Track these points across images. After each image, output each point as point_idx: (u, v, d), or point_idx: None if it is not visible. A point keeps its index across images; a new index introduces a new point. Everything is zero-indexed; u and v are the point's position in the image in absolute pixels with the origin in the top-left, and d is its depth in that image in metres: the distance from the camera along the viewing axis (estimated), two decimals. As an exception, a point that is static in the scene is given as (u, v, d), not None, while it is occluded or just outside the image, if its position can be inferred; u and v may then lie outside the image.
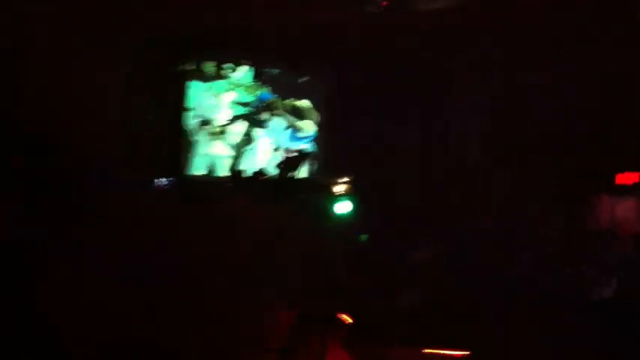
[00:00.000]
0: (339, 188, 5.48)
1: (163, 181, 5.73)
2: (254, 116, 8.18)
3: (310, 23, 6.55)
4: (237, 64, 7.92)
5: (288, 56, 7.57)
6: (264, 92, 8.11)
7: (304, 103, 8.27)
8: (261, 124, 8.24)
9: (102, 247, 3.94)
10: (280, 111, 8.26)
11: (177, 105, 7.63)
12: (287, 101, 8.28)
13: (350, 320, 3.66)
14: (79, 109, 5.66)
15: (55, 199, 4.46)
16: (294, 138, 8.27)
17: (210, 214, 4.04)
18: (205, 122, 8.03)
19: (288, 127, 8.29)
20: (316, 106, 8.31)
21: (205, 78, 7.92)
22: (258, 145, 8.23)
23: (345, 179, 5.61)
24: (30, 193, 4.47)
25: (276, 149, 8.16)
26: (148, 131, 6.74)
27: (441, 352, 3.22)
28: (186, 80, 7.74)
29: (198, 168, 7.96)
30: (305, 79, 8.15)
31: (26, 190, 4.44)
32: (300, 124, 8.31)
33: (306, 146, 8.18)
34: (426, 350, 3.17)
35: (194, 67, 7.69)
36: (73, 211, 4.40)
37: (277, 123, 8.33)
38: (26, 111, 5.31)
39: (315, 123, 8.29)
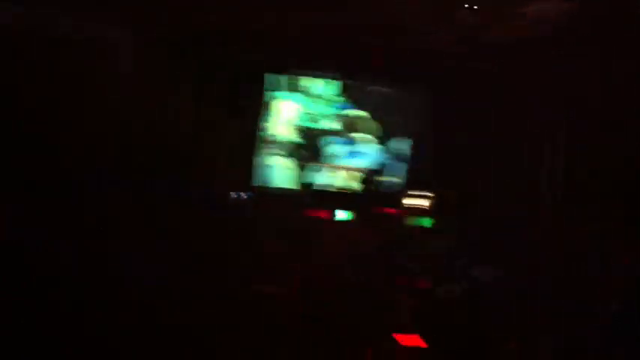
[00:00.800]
0: (421, 203, 5.44)
1: (242, 194, 5.77)
2: (326, 131, 8.11)
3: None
4: (320, 77, 7.92)
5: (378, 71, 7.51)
6: (343, 102, 8.06)
7: (361, 113, 8.15)
8: (332, 139, 8.12)
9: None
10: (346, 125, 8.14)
11: (255, 117, 7.68)
12: (351, 113, 8.14)
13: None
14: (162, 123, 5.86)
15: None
16: (353, 154, 8.13)
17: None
18: (277, 135, 7.98)
19: (346, 142, 8.14)
20: (380, 117, 8.13)
21: (286, 90, 7.91)
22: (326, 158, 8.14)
23: (428, 195, 5.57)
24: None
25: (339, 166, 8.10)
26: (226, 143, 6.88)
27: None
28: (267, 92, 7.76)
29: (269, 180, 7.93)
30: (384, 90, 8.06)
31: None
32: (357, 136, 8.17)
33: (362, 162, 8.04)
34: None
35: (276, 78, 7.71)
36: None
37: (339, 139, 8.18)
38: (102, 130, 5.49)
39: (373, 134, 8.15)
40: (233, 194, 5.82)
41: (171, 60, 6.04)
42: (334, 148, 8.04)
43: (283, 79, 7.77)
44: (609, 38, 5.38)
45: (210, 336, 3.38)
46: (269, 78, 7.67)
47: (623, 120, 5.47)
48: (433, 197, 5.59)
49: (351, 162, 8.07)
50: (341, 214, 4.78)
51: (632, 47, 5.11)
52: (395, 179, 7.95)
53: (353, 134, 8.06)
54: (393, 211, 4.66)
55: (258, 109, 7.64)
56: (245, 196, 5.78)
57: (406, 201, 5.71)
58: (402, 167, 8.03)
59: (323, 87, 7.92)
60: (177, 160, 5.56)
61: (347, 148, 8.07)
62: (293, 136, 7.94)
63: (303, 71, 7.79)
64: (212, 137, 6.66)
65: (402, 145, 8.08)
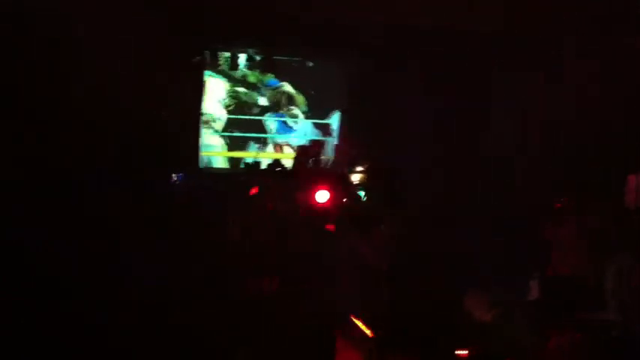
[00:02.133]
0: (355, 178, 5.33)
1: (181, 175, 5.66)
2: (261, 107, 7.98)
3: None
4: (248, 53, 7.72)
5: (298, 44, 7.37)
6: (272, 79, 7.92)
7: (288, 88, 8.02)
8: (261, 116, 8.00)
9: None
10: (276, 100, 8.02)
11: (194, 97, 7.50)
12: (280, 89, 8.02)
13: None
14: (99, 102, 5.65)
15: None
16: (285, 129, 8.10)
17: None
18: (215, 114, 7.82)
19: (282, 117, 8.07)
20: (311, 91, 8.05)
21: (219, 69, 7.72)
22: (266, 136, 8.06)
23: (361, 169, 5.44)
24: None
25: (277, 144, 8.05)
26: (165, 124, 6.58)
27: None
28: (202, 71, 7.55)
29: (209, 160, 7.87)
30: (310, 64, 7.95)
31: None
32: (291, 111, 8.08)
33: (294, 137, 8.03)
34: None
35: (209, 57, 7.53)
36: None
37: (271, 115, 8.07)
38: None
39: (301, 108, 8.09)
40: (175, 176, 5.65)
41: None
42: (268, 125, 8.01)
43: (210, 56, 7.64)
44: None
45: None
46: (204, 55, 7.53)
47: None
48: (365, 172, 5.45)
49: (286, 138, 8.07)
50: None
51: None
52: (326, 155, 7.95)
53: (284, 110, 8.03)
54: (326, 187, 4.49)
55: (195, 89, 7.51)
56: (178, 178, 5.60)
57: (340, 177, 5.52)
58: (332, 142, 8.09)
59: (250, 63, 7.79)
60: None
61: (280, 125, 8.05)
62: (227, 115, 7.84)
63: (227, 46, 7.65)
64: (150, 119, 6.34)
65: (332, 120, 8.13)
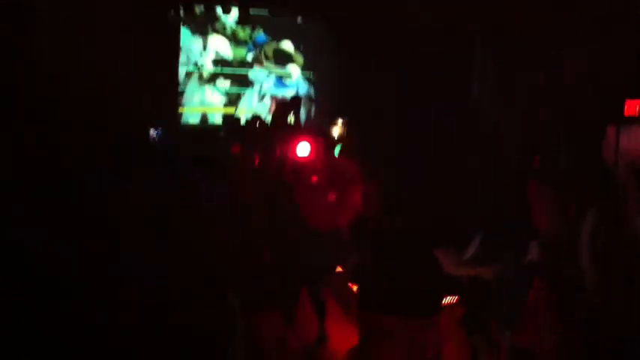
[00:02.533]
0: (336, 133, 5.30)
1: (159, 131, 5.57)
2: (245, 63, 7.99)
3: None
4: (225, 6, 7.62)
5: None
6: (260, 35, 7.94)
7: (287, 45, 8.07)
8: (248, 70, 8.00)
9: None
10: (264, 56, 8.04)
11: (170, 52, 7.41)
12: (270, 45, 8.06)
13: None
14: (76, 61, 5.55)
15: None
16: (280, 84, 8.11)
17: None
18: (196, 69, 7.83)
19: (270, 73, 8.09)
20: (301, 48, 8.12)
21: (195, 23, 7.66)
22: (251, 93, 8.08)
23: (341, 123, 5.41)
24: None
25: (262, 97, 8.06)
26: (142, 80, 6.51)
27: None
28: (178, 26, 7.50)
29: (191, 117, 7.81)
30: (299, 19, 7.96)
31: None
32: (287, 70, 8.15)
33: (295, 91, 8.03)
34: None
35: (184, 11, 7.44)
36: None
37: (260, 70, 8.14)
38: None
39: (300, 66, 8.16)
40: (152, 132, 5.53)
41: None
42: (263, 79, 8.04)
43: (196, 9, 7.54)
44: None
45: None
46: (187, 11, 7.46)
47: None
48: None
49: (279, 91, 8.08)
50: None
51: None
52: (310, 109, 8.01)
53: (274, 66, 8.07)
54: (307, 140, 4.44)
55: (175, 43, 7.45)
56: (157, 133, 5.49)
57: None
58: (311, 98, 8.14)
59: (237, 18, 7.76)
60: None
61: (276, 81, 8.09)
62: (217, 70, 7.82)
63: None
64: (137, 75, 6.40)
65: (297, 75, 8.14)
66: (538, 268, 3.39)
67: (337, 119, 5.46)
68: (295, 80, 8.12)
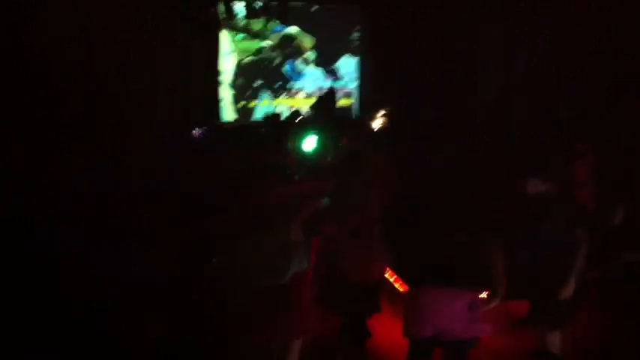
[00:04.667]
0: (377, 123, 5.20)
1: (203, 129, 5.58)
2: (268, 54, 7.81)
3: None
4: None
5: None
6: (277, 25, 7.72)
7: (293, 29, 7.86)
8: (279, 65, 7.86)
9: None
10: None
11: (209, 52, 7.36)
12: (280, 33, 7.83)
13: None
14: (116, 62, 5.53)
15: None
16: (295, 74, 7.96)
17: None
18: (230, 68, 7.69)
19: (285, 63, 7.93)
20: (311, 33, 7.85)
21: (231, 23, 7.43)
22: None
23: (383, 113, 5.28)
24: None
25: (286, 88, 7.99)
26: (183, 80, 6.53)
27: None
28: (219, 24, 7.21)
29: (229, 114, 7.78)
30: (316, 7, 7.75)
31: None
32: (300, 56, 7.94)
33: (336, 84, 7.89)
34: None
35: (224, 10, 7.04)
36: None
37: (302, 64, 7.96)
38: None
39: (311, 55, 7.92)
40: (196, 130, 5.57)
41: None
42: (285, 74, 7.90)
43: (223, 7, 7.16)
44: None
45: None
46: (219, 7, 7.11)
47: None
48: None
49: (304, 86, 7.97)
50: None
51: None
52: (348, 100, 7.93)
53: (293, 56, 7.90)
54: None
55: (215, 44, 7.36)
56: (201, 133, 5.53)
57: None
58: (346, 86, 7.98)
59: (251, 11, 7.36)
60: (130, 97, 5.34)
61: (290, 70, 7.92)
62: (241, 68, 7.72)
63: None
64: (166, 74, 6.35)
65: (340, 65, 8.01)
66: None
67: (378, 110, 5.30)
68: (312, 69, 8.00)
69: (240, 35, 7.68)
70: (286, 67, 7.91)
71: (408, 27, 7.32)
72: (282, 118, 5.88)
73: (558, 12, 6.39)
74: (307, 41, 7.92)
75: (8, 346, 2.92)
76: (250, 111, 7.85)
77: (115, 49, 5.25)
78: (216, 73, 7.49)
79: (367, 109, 6.60)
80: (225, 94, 7.72)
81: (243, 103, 7.80)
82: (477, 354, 3.09)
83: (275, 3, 6.99)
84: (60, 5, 5.11)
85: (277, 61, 7.88)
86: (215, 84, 7.51)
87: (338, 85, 7.99)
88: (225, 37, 7.59)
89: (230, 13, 6.83)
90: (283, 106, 7.88)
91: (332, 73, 8.07)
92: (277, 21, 7.53)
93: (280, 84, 7.94)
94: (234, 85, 7.74)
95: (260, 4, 7.07)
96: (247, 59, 7.77)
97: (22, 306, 3.11)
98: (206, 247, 3.43)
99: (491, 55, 7.13)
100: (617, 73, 5.66)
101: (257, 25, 7.65)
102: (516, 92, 6.76)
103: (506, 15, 6.90)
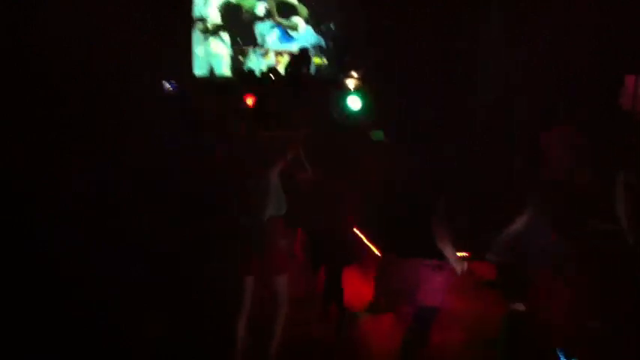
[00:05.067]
0: (352, 84, 5.05)
1: (172, 84, 5.42)
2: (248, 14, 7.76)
3: None
4: None
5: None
6: None
7: None
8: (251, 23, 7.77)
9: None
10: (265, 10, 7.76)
11: (177, 4, 7.16)
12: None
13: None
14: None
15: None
16: (285, 38, 7.92)
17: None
18: (199, 19, 7.61)
19: (276, 27, 7.86)
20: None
21: None
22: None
23: (357, 74, 5.13)
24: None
25: (266, 51, 7.87)
26: (151, 31, 6.31)
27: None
28: None
29: (198, 68, 7.58)
30: None
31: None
32: (292, 22, 7.91)
33: (304, 44, 7.70)
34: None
35: None
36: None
37: (264, 24, 7.90)
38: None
39: (305, 18, 7.93)
40: (165, 83, 5.42)
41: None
42: (266, 32, 7.84)
43: None
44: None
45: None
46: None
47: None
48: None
49: (285, 46, 7.87)
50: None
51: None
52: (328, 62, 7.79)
53: (283, 17, 7.86)
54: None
55: None
56: (171, 86, 5.36)
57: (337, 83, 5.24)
58: (335, 50, 7.88)
59: None
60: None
61: (279, 32, 7.86)
62: (224, 21, 7.59)
63: None
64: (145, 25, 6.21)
65: (332, 27, 7.90)
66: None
67: (352, 72, 5.12)
68: (302, 33, 7.89)
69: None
70: (276, 30, 7.83)
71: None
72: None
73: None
74: (302, 9, 7.93)
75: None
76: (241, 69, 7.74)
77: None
78: (190, 24, 7.33)
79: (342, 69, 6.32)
80: (222, 50, 7.61)
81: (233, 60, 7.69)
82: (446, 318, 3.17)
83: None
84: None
85: (265, 22, 7.84)
86: (189, 36, 7.36)
87: (330, 45, 7.99)
88: None
89: None
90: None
91: (324, 34, 8.08)
92: None
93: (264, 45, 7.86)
94: (223, 38, 7.68)
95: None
96: (238, 18, 7.71)
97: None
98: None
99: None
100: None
101: None
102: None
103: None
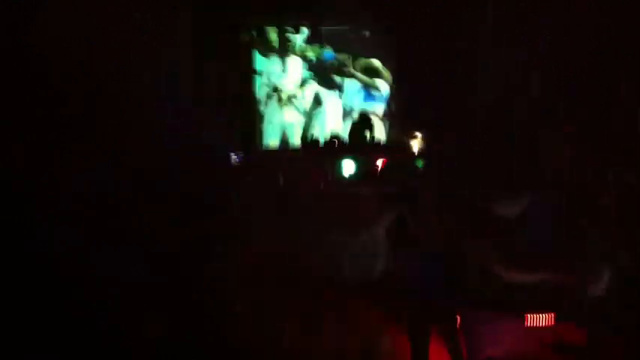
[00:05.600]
0: (416, 148, 5.07)
1: (240, 154, 5.48)
2: (323, 79, 7.93)
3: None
4: (297, 26, 7.67)
5: (349, 11, 7.31)
6: (328, 52, 7.87)
7: (375, 62, 7.97)
8: (331, 86, 7.98)
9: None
10: (351, 71, 7.96)
11: (245, 74, 7.47)
12: (359, 61, 7.97)
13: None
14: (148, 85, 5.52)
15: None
16: (369, 98, 8.00)
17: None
18: (274, 90, 7.83)
19: (362, 88, 7.99)
20: (386, 63, 7.99)
21: (269, 45, 7.70)
22: (329, 109, 8.01)
23: (421, 138, 5.14)
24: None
25: (349, 112, 7.99)
26: (219, 103, 6.60)
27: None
28: (251, 48, 7.53)
29: (271, 138, 7.84)
30: (367, 34, 7.87)
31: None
32: (375, 82, 8.01)
33: (380, 106, 7.96)
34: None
35: (256, 34, 7.49)
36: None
37: (350, 84, 8.05)
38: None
39: (388, 82, 8.04)
40: (233, 155, 5.47)
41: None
42: (325, 98, 7.96)
43: (268, 31, 7.55)
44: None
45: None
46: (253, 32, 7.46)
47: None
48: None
49: (370, 107, 7.97)
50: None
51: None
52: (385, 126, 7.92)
53: (344, 82, 8.00)
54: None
55: (250, 65, 7.47)
56: (238, 159, 5.41)
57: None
58: (389, 113, 8.07)
59: (303, 38, 7.78)
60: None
61: (365, 95, 8.02)
62: (295, 92, 7.84)
63: (276, 22, 7.58)
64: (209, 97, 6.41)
65: (386, 90, 8.05)
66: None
67: (415, 133, 5.17)
68: (384, 94, 8.06)
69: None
70: (361, 93, 7.96)
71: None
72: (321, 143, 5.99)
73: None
74: (386, 74, 8.08)
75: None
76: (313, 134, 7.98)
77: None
78: (252, 98, 7.58)
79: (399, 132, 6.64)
80: (294, 118, 7.80)
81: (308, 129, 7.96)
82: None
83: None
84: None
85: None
86: (255, 110, 7.56)
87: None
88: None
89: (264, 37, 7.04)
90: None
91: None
92: (329, 48, 7.79)
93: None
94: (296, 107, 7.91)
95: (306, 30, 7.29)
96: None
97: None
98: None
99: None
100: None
101: (311, 52, 7.90)
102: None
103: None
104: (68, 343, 3.03)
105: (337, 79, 7.97)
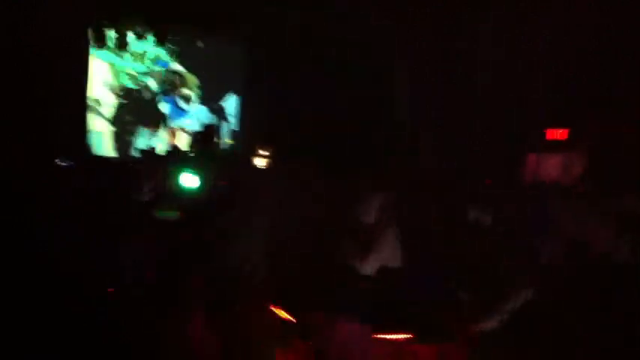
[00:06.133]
0: (261, 161, 4.76)
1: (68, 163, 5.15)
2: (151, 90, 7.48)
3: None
4: (140, 33, 7.11)
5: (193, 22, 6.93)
6: (162, 59, 7.45)
7: (178, 67, 7.57)
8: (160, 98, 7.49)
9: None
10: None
11: (79, 77, 6.68)
12: (163, 69, 7.49)
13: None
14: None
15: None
16: (177, 111, 7.60)
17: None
18: (102, 99, 7.18)
19: (169, 98, 7.56)
20: (196, 71, 7.60)
21: (106, 47, 7.03)
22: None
23: (267, 151, 4.79)
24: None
25: (165, 124, 7.54)
26: (52, 104, 5.96)
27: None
28: (88, 49, 6.77)
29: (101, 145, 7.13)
30: (202, 45, 7.52)
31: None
32: (183, 92, 7.64)
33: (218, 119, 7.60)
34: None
35: (96, 34, 6.81)
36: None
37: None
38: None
39: (195, 90, 7.67)
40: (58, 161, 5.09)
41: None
42: (161, 109, 7.56)
43: (95, 32, 6.87)
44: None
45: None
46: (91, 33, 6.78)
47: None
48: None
49: (180, 122, 7.61)
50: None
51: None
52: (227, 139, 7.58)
53: (175, 92, 7.63)
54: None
55: (79, 69, 6.73)
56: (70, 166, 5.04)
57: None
58: (231, 126, 7.72)
59: (140, 43, 7.23)
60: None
61: (172, 108, 7.59)
62: (115, 99, 7.27)
63: (114, 24, 6.99)
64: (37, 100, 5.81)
65: (226, 103, 7.75)
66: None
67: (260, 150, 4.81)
68: (196, 108, 7.66)
69: (124, 66, 7.33)
70: (167, 105, 7.59)
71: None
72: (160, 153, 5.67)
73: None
74: (192, 80, 7.69)
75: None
76: (127, 148, 7.43)
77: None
78: (84, 102, 6.93)
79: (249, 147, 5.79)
80: (103, 127, 7.25)
81: (120, 138, 7.39)
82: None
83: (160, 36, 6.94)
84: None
85: (154, 97, 7.57)
86: (83, 114, 6.92)
87: (224, 124, 7.79)
88: (104, 67, 7.19)
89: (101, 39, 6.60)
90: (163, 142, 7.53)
91: (217, 112, 7.82)
92: (163, 54, 7.36)
93: (159, 121, 7.60)
94: (112, 120, 7.33)
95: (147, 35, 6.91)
96: (128, 94, 7.41)
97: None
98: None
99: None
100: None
101: (141, 57, 7.37)
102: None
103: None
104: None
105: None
